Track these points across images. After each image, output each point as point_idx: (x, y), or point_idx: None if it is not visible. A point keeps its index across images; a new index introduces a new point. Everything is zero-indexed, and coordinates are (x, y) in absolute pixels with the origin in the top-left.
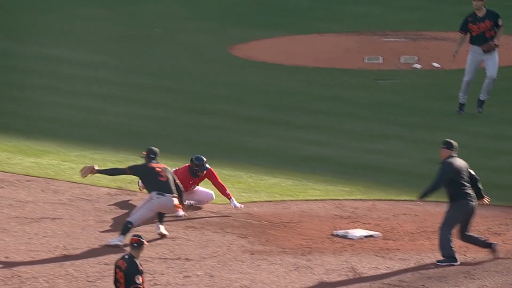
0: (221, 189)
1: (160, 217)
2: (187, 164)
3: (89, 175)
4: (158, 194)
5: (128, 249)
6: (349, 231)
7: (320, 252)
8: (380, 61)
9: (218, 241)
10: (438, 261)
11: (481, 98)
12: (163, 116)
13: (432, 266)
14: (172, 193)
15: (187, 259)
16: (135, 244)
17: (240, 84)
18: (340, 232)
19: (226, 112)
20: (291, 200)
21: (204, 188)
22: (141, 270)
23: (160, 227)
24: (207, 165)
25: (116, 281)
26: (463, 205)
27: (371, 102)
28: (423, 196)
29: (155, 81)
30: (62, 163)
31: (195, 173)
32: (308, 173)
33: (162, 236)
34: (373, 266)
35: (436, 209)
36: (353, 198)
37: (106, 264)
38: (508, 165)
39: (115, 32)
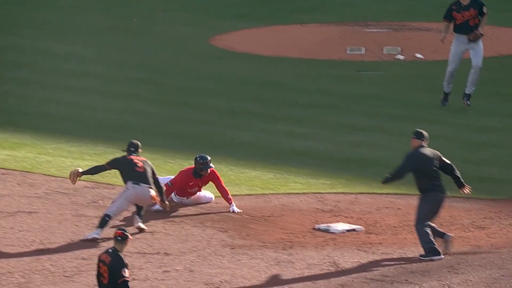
0: (224, 193)
1: (138, 211)
2: (191, 166)
3: (78, 178)
4: (134, 183)
5: (106, 243)
6: (331, 225)
7: (302, 247)
8: (363, 52)
9: (198, 235)
10: (421, 256)
11: (467, 92)
12: (143, 109)
13: (415, 260)
14: (149, 184)
15: (166, 254)
16: (119, 238)
17: (221, 76)
18: (322, 226)
19: (206, 105)
20: (272, 194)
21: (204, 192)
22: (126, 263)
23: (138, 221)
24: (211, 164)
25: (99, 275)
26: (433, 197)
27: (354, 93)
28: (385, 182)
29: (134, 74)
30: (38, 156)
31: (198, 172)
32: (290, 166)
33: (140, 230)
34: (356, 260)
35: (415, 203)
36: (335, 191)
37: (83, 259)
38: (492, 157)
39: (93, 23)
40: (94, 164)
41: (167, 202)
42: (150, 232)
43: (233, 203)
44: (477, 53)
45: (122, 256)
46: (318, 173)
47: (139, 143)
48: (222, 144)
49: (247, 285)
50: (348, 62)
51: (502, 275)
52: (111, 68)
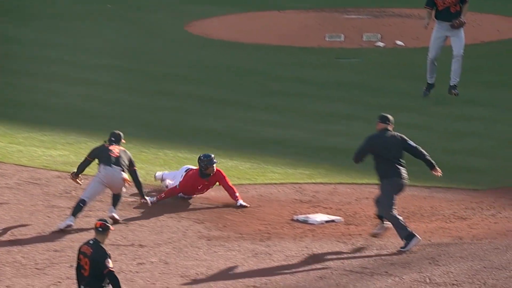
0: (231, 192)
1: (114, 200)
2: (196, 168)
3: (78, 179)
4: (105, 165)
5: (79, 235)
6: (309, 216)
7: (280, 238)
8: (342, 39)
9: (173, 227)
10: (402, 248)
11: (451, 84)
12: (116, 98)
13: (395, 252)
14: (121, 167)
15: (141, 246)
16: (100, 229)
17: (197, 63)
18: (300, 217)
19: (182, 93)
20: (249, 184)
21: None
22: (109, 254)
23: (112, 210)
24: (215, 160)
25: (79, 268)
26: (391, 182)
27: (333, 81)
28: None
29: (108, 61)
30: (9, 145)
31: (204, 172)
32: (267, 156)
33: (114, 220)
34: (335, 252)
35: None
36: (314, 181)
37: (56, 251)
38: (473, 146)
39: (66, 9)
40: (67, 153)
41: (147, 198)
42: (124, 223)
43: (240, 200)
44: (458, 41)
45: (104, 247)
46: (297, 163)
47: (121, 134)
48: (198, 133)
49: (223, 278)
50: (327, 50)
51: (484, 267)
52: (84, 55)
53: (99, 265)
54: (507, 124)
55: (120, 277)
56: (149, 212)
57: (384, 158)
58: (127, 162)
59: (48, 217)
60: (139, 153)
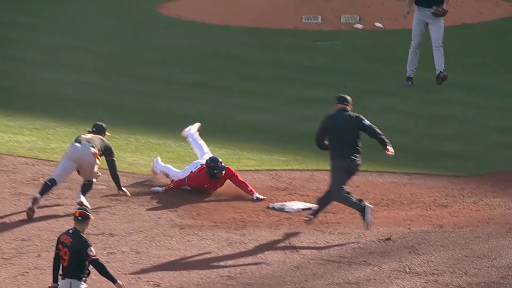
0: (244, 187)
1: (83, 187)
2: (203, 167)
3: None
4: (73, 143)
5: (48, 223)
6: (285, 203)
7: (255, 226)
8: (319, 21)
9: (145, 215)
10: (365, 222)
11: (437, 72)
12: (86, 81)
13: (374, 241)
14: (91, 145)
15: (111, 235)
16: (80, 218)
17: (169, 45)
18: (276, 204)
19: (154, 76)
20: None
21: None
22: (90, 242)
23: (80, 196)
24: (223, 165)
25: (58, 258)
26: (340, 165)
27: (309, 65)
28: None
29: (77, 43)
30: None
31: (214, 175)
32: (242, 142)
33: (81, 206)
34: (312, 241)
35: (379, 180)
36: (290, 168)
37: (23, 240)
38: (454, 132)
39: None
40: (34, 139)
41: (124, 189)
42: (94, 211)
43: (255, 193)
44: (438, 30)
45: (84, 236)
46: (272, 149)
47: (103, 125)
48: (170, 118)
49: (197, 268)
50: (303, 32)
51: (465, 256)
52: (51, 37)
53: (80, 255)
54: (489, 109)
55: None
56: (120, 199)
57: (337, 139)
58: (100, 148)
59: (15, 205)
60: (109, 139)
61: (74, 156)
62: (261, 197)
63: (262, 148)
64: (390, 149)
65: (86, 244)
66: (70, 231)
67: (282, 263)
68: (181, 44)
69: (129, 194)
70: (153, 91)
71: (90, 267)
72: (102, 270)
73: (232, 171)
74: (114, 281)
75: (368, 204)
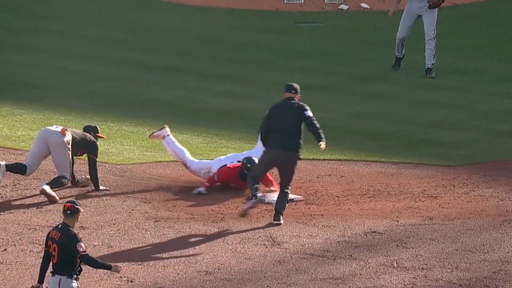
0: (270, 185)
1: (53, 180)
2: (238, 164)
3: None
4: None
5: (8, 215)
6: (266, 194)
7: (234, 219)
8: (302, 1)
9: (118, 207)
10: (276, 220)
11: (427, 67)
12: (55, 65)
13: (360, 234)
14: (64, 127)
15: (82, 228)
16: (68, 212)
17: (144, 27)
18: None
19: (127, 60)
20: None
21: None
22: (80, 237)
23: (44, 184)
24: None
25: (47, 256)
26: (265, 153)
27: (291, 48)
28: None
29: (44, 25)
30: None
31: (245, 176)
32: (221, 129)
33: (46, 195)
34: (294, 234)
35: (365, 170)
36: None
37: None
38: (443, 119)
39: None
40: (0, 126)
41: (102, 187)
42: (63, 203)
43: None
44: (431, 22)
45: (73, 231)
46: (253, 137)
47: (92, 125)
48: (144, 104)
49: (173, 263)
50: (285, 13)
51: (456, 249)
52: (17, 18)
53: (69, 250)
54: (480, 94)
55: None
56: (90, 191)
57: (276, 128)
58: (80, 141)
59: None
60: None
61: (43, 137)
62: (297, 197)
63: (242, 136)
64: (323, 145)
65: (75, 239)
66: (59, 226)
67: (263, 257)
68: (157, 25)
69: (105, 188)
70: (126, 75)
71: (83, 264)
72: (94, 264)
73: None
74: (109, 267)
75: (255, 199)
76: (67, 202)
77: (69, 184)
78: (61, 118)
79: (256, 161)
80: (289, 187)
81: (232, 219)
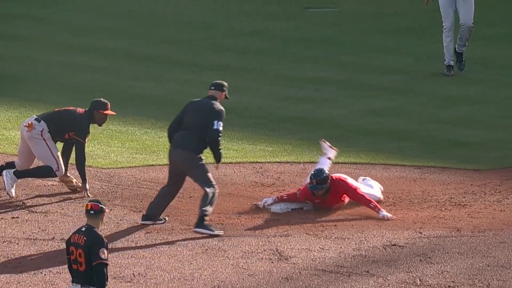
0: (365, 203)
1: (28, 170)
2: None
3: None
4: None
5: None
6: (273, 203)
7: (236, 230)
8: None
9: (104, 217)
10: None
11: (457, 50)
12: (33, 56)
13: (378, 247)
14: (35, 117)
15: (63, 240)
16: (92, 212)
17: (131, 13)
18: (261, 203)
19: (112, 49)
20: None
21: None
22: (107, 243)
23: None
24: (322, 184)
25: (73, 263)
26: (169, 152)
27: (300, 36)
28: None
29: (20, 10)
30: None
31: (312, 190)
32: None
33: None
34: (304, 247)
35: (384, 174)
36: (278, 160)
37: None
38: (470, 115)
39: None
40: None
41: (87, 186)
42: (43, 212)
43: (380, 209)
44: (467, 7)
45: (100, 234)
46: (256, 137)
47: (98, 100)
48: (133, 100)
49: (166, 279)
50: None
51: (488, 265)
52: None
53: (94, 253)
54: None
55: (37, 279)
56: (72, 198)
57: (183, 125)
58: (62, 122)
59: None
60: None
61: (21, 131)
62: (389, 215)
63: (244, 136)
64: (218, 167)
65: (100, 243)
66: (83, 229)
67: (268, 274)
68: (146, 11)
69: (89, 195)
70: (113, 67)
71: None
72: (100, 280)
73: (348, 184)
74: None
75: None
76: (90, 201)
77: (60, 176)
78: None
79: (327, 172)
80: (210, 187)
81: (233, 230)
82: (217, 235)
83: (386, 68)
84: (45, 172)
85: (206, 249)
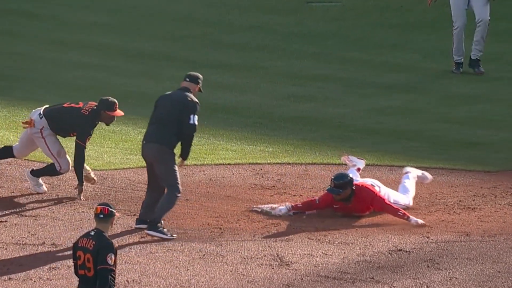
0: (392, 211)
1: (40, 169)
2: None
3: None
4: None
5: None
6: (273, 206)
7: (235, 234)
8: None
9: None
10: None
11: (473, 57)
12: (21, 52)
13: (384, 253)
14: (38, 112)
15: (54, 245)
16: (101, 215)
17: (124, 8)
18: (261, 207)
19: (106, 46)
20: (196, 165)
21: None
22: (116, 249)
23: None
24: (342, 190)
25: (80, 268)
26: (142, 146)
27: (302, 32)
28: None
29: (7, 4)
30: None
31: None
32: (219, 128)
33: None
34: (306, 252)
35: (389, 176)
36: (279, 161)
37: None
38: (481, 115)
39: None
40: None
41: (81, 188)
42: (33, 216)
43: (409, 216)
44: (483, 2)
45: (109, 239)
46: (256, 137)
47: (105, 99)
48: (128, 98)
49: (162, 286)
50: None
51: (498, 271)
52: None
53: (102, 258)
54: None
55: (26, 286)
56: (64, 201)
57: (153, 118)
58: (64, 122)
59: None
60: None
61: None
62: (420, 221)
63: (243, 137)
64: (183, 163)
65: (109, 248)
66: (92, 233)
67: (269, 280)
68: (141, 6)
69: (82, 198)
70: (106, 64)
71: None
72: (101, 285)
73: (374, 193)
74: None
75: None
76: (100, 204)
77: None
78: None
79: (350, 177)
80: (174, 190)
81: (232, 235)
82: (169, 239)
83: (392, 65)
84: (53, 170)
85: (204, 255)
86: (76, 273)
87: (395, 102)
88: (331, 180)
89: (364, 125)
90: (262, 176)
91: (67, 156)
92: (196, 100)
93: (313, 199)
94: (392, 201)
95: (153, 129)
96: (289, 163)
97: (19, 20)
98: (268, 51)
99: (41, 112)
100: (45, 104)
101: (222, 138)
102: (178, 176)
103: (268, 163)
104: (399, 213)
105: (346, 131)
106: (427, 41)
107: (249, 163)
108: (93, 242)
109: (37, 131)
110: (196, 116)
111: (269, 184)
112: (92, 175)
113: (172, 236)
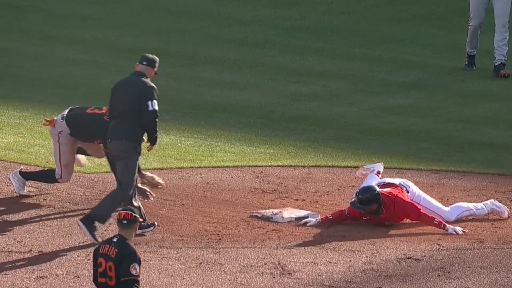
0: (427, 221)
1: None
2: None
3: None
4: None
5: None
6: (274, 211)
7: (234, 241)
8: None
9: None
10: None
11: (496, 64)
12: (4, 47)
13: (392, 261)
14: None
15: (41, 253)
16: (125, 221)
17: (116, 0)
18: (262, 212)
19: (96, 40)
20: (192, 167)
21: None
22: (139, 257)
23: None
24: (368, 206)
25: (100, 276)
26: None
27: (304, 25)
28: None
29: None
30: None
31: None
32: (217, 128)
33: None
34: (309, 260)
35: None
36: (280, 164)
37: None
38: (496, 114)
39: None
40: None
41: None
42: (18, 221)
43: (446, 225)
44: (503, 5)
45: (133, 246)
46: (256, 138)
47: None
48: None
49: None
50: None
51: None
52: None
53: (124, 268)
54: None
55: None
56: (52, 205)
57: (111, 111)
58: (83, 124)
59: None
60: (40, 126)
61: None
62: (459, 229)
63: (243, 137)
64: (151, 148)
65: (132, 257)
66: (114, 239)
67: None
68: None
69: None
70: (96, 60)
71: None
72: None
73: (406, 203)
74: None
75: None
76: (123, 209)
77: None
78: (15, 114)
79: (376, 191)
80: (124, 191)
81: (231, 242)
82: (94, 240)
83: (401, 61)
84: (50, 177)
85: (201, 263)
86: (95, 280)
87: (404, 100)
88: (356, 195)
89: (371, 125)
90: (263, 180)
91: (73, 170)
92: (153, 84)
93: (342, 210)
94: (423, 201)
95: (115, 125)
96: (291, 166)
97: (3, 13)
98: (269, 46)
99: (64, 115)
100: (31, 102)
101: (220, 139)
102: (134, 178)
103: (269, 166)
104: (435, 222)
105: (352, 132)
106: (438, 36)
107: (249, 166)
108: (116, 250)
109: (56, 134)
110: (155, 101)
111: (270, 188)
112: (157, 179)
113: (98, 240)
